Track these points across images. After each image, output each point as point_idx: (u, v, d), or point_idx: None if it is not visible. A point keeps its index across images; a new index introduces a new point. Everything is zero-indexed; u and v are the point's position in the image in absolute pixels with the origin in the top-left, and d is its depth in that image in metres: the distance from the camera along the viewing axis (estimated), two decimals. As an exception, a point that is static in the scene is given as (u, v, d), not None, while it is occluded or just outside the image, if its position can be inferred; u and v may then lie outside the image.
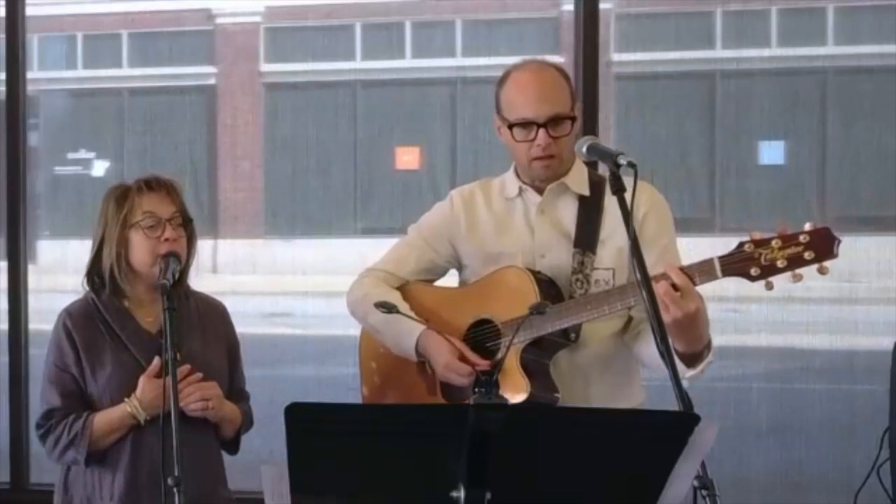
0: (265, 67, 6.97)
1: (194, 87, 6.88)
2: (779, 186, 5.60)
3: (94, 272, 3.08)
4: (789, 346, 5.17)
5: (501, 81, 3.01)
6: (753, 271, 2.64)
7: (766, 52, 5.45)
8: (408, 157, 6.26)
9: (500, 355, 2.89)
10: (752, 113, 5.51)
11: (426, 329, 2.94)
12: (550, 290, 2.92)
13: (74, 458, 3.02)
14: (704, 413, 1.97)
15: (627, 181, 2.65)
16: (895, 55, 5.23)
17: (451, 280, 3.21)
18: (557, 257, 2.96)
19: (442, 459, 1.88)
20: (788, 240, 2.63)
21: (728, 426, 4.89)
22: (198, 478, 2.85)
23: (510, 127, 2.93)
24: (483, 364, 2.86)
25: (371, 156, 6.25)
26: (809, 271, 2.65)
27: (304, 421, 1.87)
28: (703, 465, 2.13)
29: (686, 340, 2.67)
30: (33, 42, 6.21)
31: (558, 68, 3.06)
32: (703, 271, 2.67)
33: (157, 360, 2.97)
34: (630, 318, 2.98)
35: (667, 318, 2.57)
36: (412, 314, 2.94)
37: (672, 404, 2.36)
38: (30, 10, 5.14)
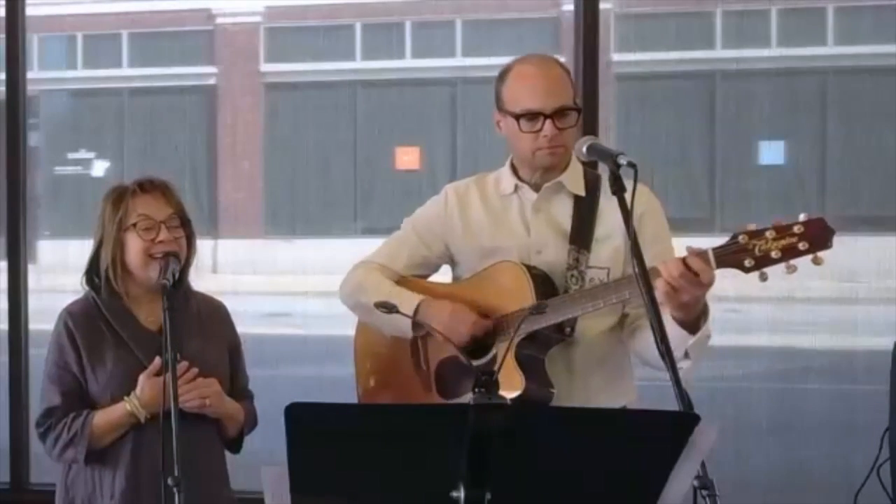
0: (265, 67, 6.98)
1: (194, 87, 6.89)
2: (779, 186, 5.61)
3: (93, 272, 3.08)
4: (789, 346, 5.18)
5: (502, 76, 3.00)
6: (747, 262, 2.62)
7: (766, 52, 5.46)
8: (408, 157, 6.27)
9: (494, 351, 2.89)
10: (752, 113, 5.52)
11: (425, 298, 2.96)
12: (545, 285, 2.92)
13: (74, 456, 3.02)
14: (704, 413, 1.97)
15: (628, 182, 2.67)
16: (895, 55, 5.23)
17: (442, 276, 3.21)
18: (553, 253, 2.96)
19: (442, 459, 1.88)
20: (782, 231, 2.60)
21: (728, 426, 4.89)
22: (199, 478, 2.84)
23: (517, 118, 2.92)
24: (481, 322, 2.88)
25: (371, 156, 6.25)
26: (804, 266, 2.63)
27: (304, 421, 1.87)
28: (703, 465, 2.13)
29: (686, 312, 2.69)
30: (33, 42, 6.22)
31: (560, 62, 3.08)
32: (697, 259, 2.64)
33: (157, 360, 2.97)
34: (625, 315, 2.98)
35: (677, 299, 2.61)
36: (371, 290, 2.96)
37: (672, 404, 2.36)
38: (30, 10, 5.14)
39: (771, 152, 5.70)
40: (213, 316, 3.15)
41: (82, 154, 6.63)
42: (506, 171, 3.07)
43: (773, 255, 2.60)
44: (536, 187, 3.00)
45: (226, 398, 3.08)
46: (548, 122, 2.89)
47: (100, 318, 3.05)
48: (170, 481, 2.56)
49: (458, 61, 6.25)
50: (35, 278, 5.16)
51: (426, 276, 3.17)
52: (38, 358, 4.97)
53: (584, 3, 4.57)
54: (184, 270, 3.05)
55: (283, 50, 6.95)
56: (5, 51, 5.05)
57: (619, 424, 2.03)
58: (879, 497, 3.76)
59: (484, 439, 1.86)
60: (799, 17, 5.80)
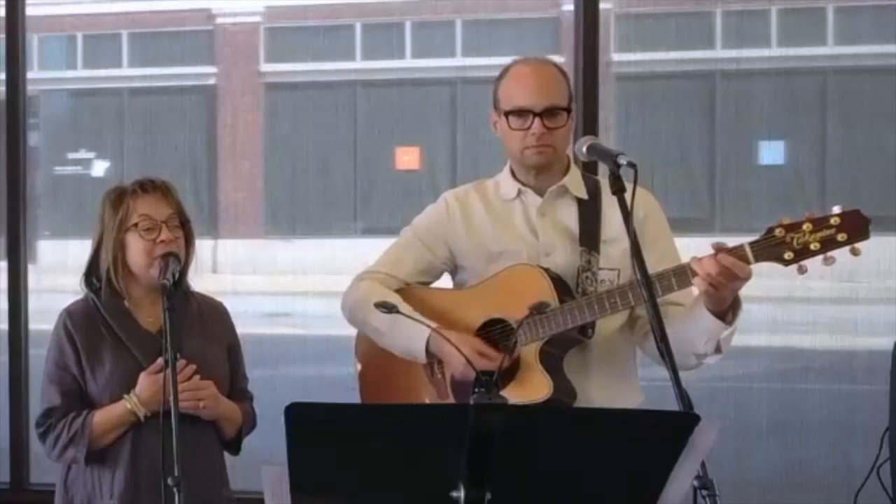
0: (265, 67, 6.97)
1: (194, 87, 6.88)
2: (779, 186, 5.61)
3: (93, 273, 3.09)
4: (789, 346, 5.17)
5: (500, 76, 3.03)
6: (787, 255, 2.62)
7: (766, 52, 5.45)
8: (408, 157, 6.26)
9: (516, 356, 2.88)
10: (752, 113, 5.52)
11: (437, 328, 2.91)
12: (561, 286, 2.91)
13: (74, 456, 3.02)
14: (704, 413, 1.97)
15: (627, 183, 2.67)
16: (895, 55, 5.23)
17: (444, 283, 3.19)
18: (563, 256, 2.95)
19: (442, 459, 1.88)
20: (819, 222, 2.61)
21: (728, 426, 4.89)
22: (199, 478, 2.85)
23: (506, 115, 2.93)
24: (498, 357, 2.82)
25: (371, 156, 6.25)
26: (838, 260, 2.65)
27: (304, 421, 1.87)
28: (703, 465, 2.13)
29: (721, 303, 2.69)
30: (33, 42, 6.21)
31: (557, 65, 3.09)
32: (734, 255, 2.65)
33: (160, 360, 2.97)
34: (638, 317, 2.97)
35: (710, 291, 2.62)
36: (415, 315, 2.92)
37: (672, 404, 2.36)
38: (30, 10, 5.14)
39: (771, 152, 5.69)
40: (213, 316, 3.16)
41: (82, 154, 6.62)
42: (506, 175, 3.06)
43: (813, 247, 2.60)
44: (540, 191, 3.00)
45: (222, 400, 3.08)
46: (536, 120, 2.90)
47: (99, 318, 3.06)
48: (170, 481, 2.57)
49: (458, 61, 6.25)
50: (35, 278, 5.16)
51: (429, 283, 3.14)
52: (38, 358, 4.97)
53: (584, 3, 4.57)
54: (183, 271, 3.05)
55: (283, 50, 6.94)
56: (5, 51, 5.05)
57: (619, 424, 2.03)
58: (879, 497, 3.76)
59: (484, 439, 1.86)
60: (799, 17, 5.79)
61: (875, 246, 2.62)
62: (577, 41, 4.60)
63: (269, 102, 6.84)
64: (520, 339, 2.87)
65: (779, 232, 2.63)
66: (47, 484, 4.93)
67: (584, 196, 3.00)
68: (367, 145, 6.23)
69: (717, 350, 2.78)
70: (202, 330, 3.10)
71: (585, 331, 2.90)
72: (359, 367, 3.19)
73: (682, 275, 2.71)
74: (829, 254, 2.60)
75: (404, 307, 2.90)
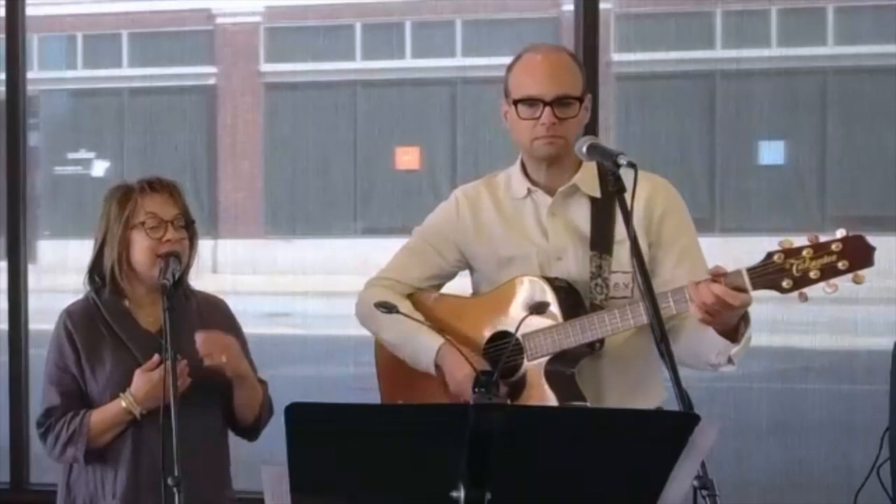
0: (265, 67, 6.97)
1: (194, 87, 6.88)
2: (779, 186, 5.60)
3: (95, 272, 3.08)
4: (789, 346, 5.17)
5: (511, 65, 2.93)
6: (786, 283, 2.50)
7: (766, 52, 5.45)
8: (408, 157, 6.26)
9: (523, 371, 2.86)
10: (752, 113, 5.51)
11: (445, 343, 2.88)
12: (569, 297, 2.84)
13: (74, 455, 3.03)
14: (704, 413, 1.97)
15: (649, 177, 2.66)
16: (895, 55, 5.22)
17: (459, 282, 3.17)
18: (574, 261, 2.88)
19: (442, 459, 1.88)
20: (820, 249, 2.49)
21: (728, 426, 4.89)
22: (199, 478, 2.85)
23: (515, 104, 2.85)
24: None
25: (371, 156, 6.24)
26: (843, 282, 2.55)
27: (304, 421, 1.87)
28: (703, 465, 2.13)
29: (724, 325, 2.62)
30: (33, 42, 6.21)
31: (571, 53, 3.00)
32: (730, 283, 2.54)
33: (156, 357, 2.97)
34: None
35: (704, 318, 2.56)
36: (415, 315, 2.90)
37: (672, 404, 2.36)
38: (30, 10, 5.14)
39: (771, 152, 5.69)
40: (213, 314, 3.15)
41: (82, 154, 6.62)
42: (516, 172, 2.98)
43: (812, 274, 2.49)
44: (550, 190, 2.93)
45: (245, 361, 3.05)
46: (547, 109, 2.81)
47: (99, 318, 3.06)
48: (170, 481, 2.57)
49: (458, 61, 6.24)
50: (35, 278, 5.17)
51: (441, 286, 3.10)
52: (38, 358, 4.98)
53: (584, 3, 4.57)
54: (184, 271, 3.05)
55: (283, 50, 6.94)
56: (5, 51, 5.06)
57: (618, 424, 2.03)
58: (879, 497, 3.76)
59: (484, 439, 1.86)
60: (799, 17, 5.79)
61: (875, 246, 2.57)
62: (577, 41, 4.60)
63: (269, 102, 6.83)
64: (526, 355, 2.85)
65: (778, 258, 2.51)
66: (47, 484, 4.94)
67: (597, 194, 2.91)
68: (367, 145, 6.22)
69: (730, 362, 2.72)
70: (203, 328, 3.10)
71: (593, 345, 2.84)
72: (378, 368, 3.17)
73: (681, 298, 2.64)
74: (832, 281, 2.50)
75: (405, 320, 2.87)
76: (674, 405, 2.74)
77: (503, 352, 2.84)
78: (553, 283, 2.86)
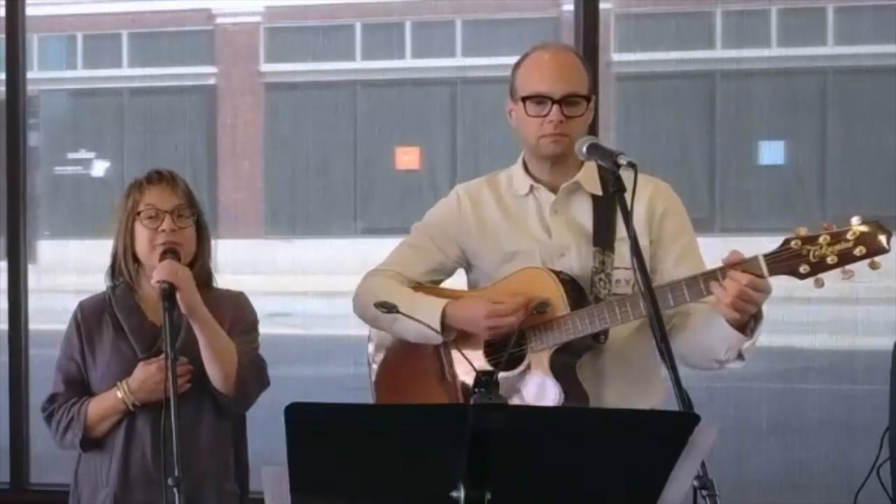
0: (265, 67, 6.97)
1: (194, 87, 6.88)
2: (779, 186, 5.60)
3: (114, 265, 3.14)
4: (789, 346, 5.17)
5: (517, 65, 2.95)
6: (802, 269, 2.54)
7: (766, 52, 5.45)
8: (408, 157, 6.26)
9: (528, 361, 2.85)
10: (752, 113, 5.51)
11: (451, 301, 2.88)
12: (574, 290, 2.86)
13: (72, 441, 3.11)
14: (704, 413, 1.97)
15: (650, 179, 2.67)
16: (895, 55, 5.22)
17: (457, 279, 3.16)
18: (577, 257, 2.90)
19: (442, 459, 1.88)
20: (837, 235, 2.53)
21: (728, 426, 4.89)
22: (194, 467, 2.88)
23: (523, 101, 2.87)
24: (521, 305, 2.80)
25: (371, 156, 6.24)
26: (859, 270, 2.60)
27: (304, 421, 1.87)
28: (703, 465, 2.13)
29: (741, 318, 2.62)
30: (33, 42, 6.22)
31: (577, 53, 3.03)
32: (747, 269, 2.57)
33: (161, 357, 2.98)
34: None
35: (730, 314, 2.56)
36: (389, 298, 2.87)
37: (672, 404, 2.36)
38: (30, 10, 5.14)
39: (771, 152, 5.69)
40: (217, 308, 3.12)
41: (82, 154, 6.62)
42: (518, 170, 3.00)
43: (830, 260, 2.53)
44: (552, 188, 2.94)
45: (196, 294, 2.96)
46: (555, 107, 2.83)
47: (108, 311, 3.13)
48: (170, 481, 2.59)
49: (458, 61, 6.24)
50: (35, 278, 5.17)
51: (440, 282, 3.11)
52: (38, 358, 4.98)
53: (584, 3, 4.57)
54: (195, 262, 3.07)
55: (283, 50, 6.94)
56: (5, 51, 5.06)
57: (618, 424, 2.03)
58: (879, 497, 3.76)
59: (484, 439, 1.86)
60: (799, 17, 5.79)
61: (892, 232, 2.57)
62: (577, 41, 4.60)
63: (269, 102, 6.83)
64: (530, 346, 2.85)
65: (795, 244, 2.55)
66: (47, 484, 4.95)
67: (599, 192, 2.93)
68: (367, 145, 6.22)
69: (740, 357, 2.72)
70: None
71: (598, 336, 2.85)
72: (374, 372, 3.15)
73: (695, 289, 2.65)
74: (848, 267, 2.53)
75: (405, 291, 2.89)
76: (673, 404, 2.75)
77: (508, 342, 2.84)
78: (559, 275, 2.87)
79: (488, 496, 1.88)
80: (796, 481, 5.00)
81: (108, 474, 3.08)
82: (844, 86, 5.70)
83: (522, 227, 2.96)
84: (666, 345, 2.40)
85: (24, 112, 5.06)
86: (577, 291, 2.87)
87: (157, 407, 2.92)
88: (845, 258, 2.52)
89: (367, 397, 3.17)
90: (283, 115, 6.71)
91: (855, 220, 2.54)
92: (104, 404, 3.06)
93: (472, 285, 3.08)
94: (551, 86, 2.85)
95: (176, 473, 2.60)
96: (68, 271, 5.46)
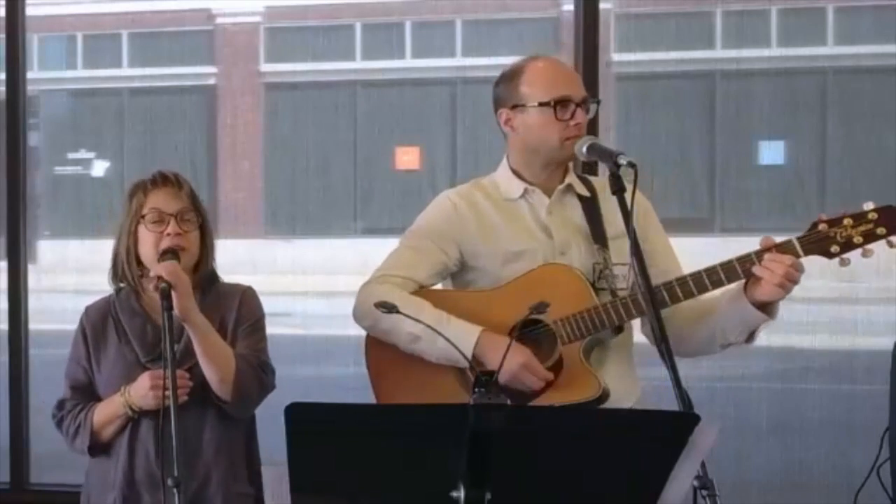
0: (265, 67, 6.97)
1: (194, 87, 6.88)
2: (779, 186, 5.60)
3: (115, 267, 3.13)
4: (789, 346, 5.16)
5: (514, 75, 2.97)
6: (833, 249, 2.75)
7: (766, 52, 5.45)
8: (408, 157, 6.26)
9: (557, 355, 2.86)
10: (752, 113, 5.51)
11: (486, 330, 2.86)
12: (592, 286, 2.93)
13: (81, 447, 3.12)
14: (704, 413, 1.97)
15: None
16: (895, 55, 5.23)
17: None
18: (578, 254, 2.95)
19: (442, 459, 1.88)
20: (859, 217, 2.76)
21: (728, 426, 4.89)
22: (197, 469, 2.88)
23: (553, 106, 2.89)
24: (543, 377, 2.84)
25: (371, 156, 6.24)
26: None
27: (305, 421, 1.87)
28: (703, 465, 2.13)
29: (782, 297, 2.80)
30: (33, 42, 6.22)
31: None
32: (784, 251, 2.75)
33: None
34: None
35: (777, 293, 2.72)
36: (415, 316, 2.88)
37: (672, 404, 2.36)
38: (30, 10, 5.14)
39: (771, 152, 5.69)
40: (216, 306, 3.11)
41: (82, 154, 6.62)
42: (504, 174, 3.02)
43: (856, 240, 2.75)
44: (547, 191, 2.97)
45: (192, 301, 2.95)
46: (579, 109, 2.90)
47: (112, 315, 3.11)
48: (170, 482, 2.58)
49: (458, 61, 6.24)
50: (35, 278, 5.16)
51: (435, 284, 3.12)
52: (39, 358, 4.98)
53: (584, 3, 4.57)
54: (200, 263, 3.07)
55: (283, 50, 6.94)
56: (5, 51, 5.05)
57: (618, 424, 2.03)
58: (879, 497, 3.76)
59: (484, 439, 1.86)
60: (799, 17, 5.79)
61: (875, 246, 2.72)
62: (577, 41, 4.60)
63: (269, 102, 6.83)
64: (561, 339, 2.86)
65: (822, 227, 2.76)
66: (47, 484, 4.95)
67: (587, 193, 3.01)
68: (367, 145, 6.23)
69: (750, 339, 2.88)
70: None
71: (620, 328, 2.91)
72: (372, 374, 3.12)
73: (733, 272, 2.78)
74: (869, 246, 2.75)
75: (429, 309, 2.87)
76: (650, 403, 2.77)
77: (534, 336, 2.88)
78: (577, 271, 2.93)
79: (488, 496, 1.88)
80: (796, 481, 5.00)
81: (115, 478, 3.08)
82: (844, 86, 5.70)
83: (521, 228, 2.98)
84: (666, 345, 2.41)
85: (24, 112, 5.06)
86: (592, 286, 2.90)
87: (159, 412, 2.92)
88: (869, 237, 2.75)
89: (367, 397, 3.16)
90: (283, 115, 6.71)
91: (868, 205, 2.77)
92: (108, 409, 3.06)
93: (465, 286, 3.06)
94: (572, 89, 2.93)
95: (176, 474, 2.59)
96: (68, 271, 5.46)
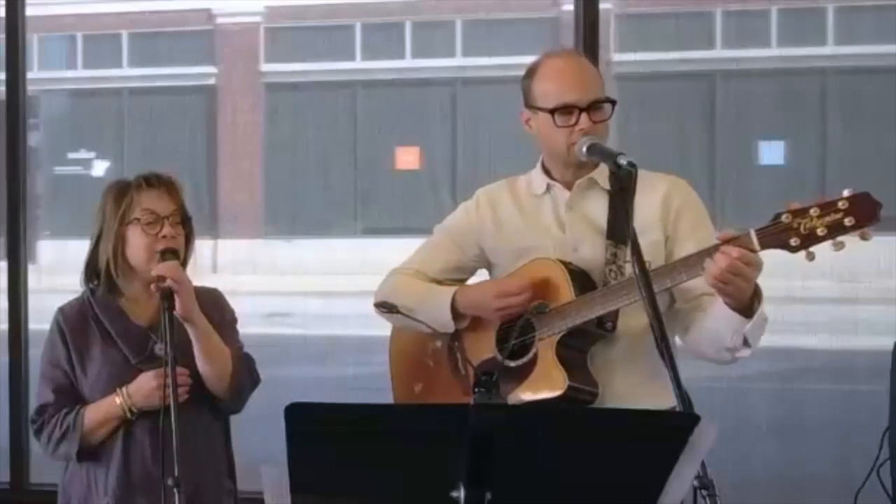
0: (265, 67, 6.98)
1: (194, 87, 6.89)
2: (779, 186, 5.60)
3: (91, 268, 3.08)
4: (789, 346, 5.17)
5: (531, 73, 2.95)
6: (793, 242, 2.53)
7: (766, 52, 5.46)
8: (408, 157, 6.27)
9: (534, 351, 2.86)
10: (752, 113, 5.52)
11: (458, 289, 2.92)
12: (583, 280, 2.88)
13: (67, 451, 3.03)
14: (704, 413, 1.97)
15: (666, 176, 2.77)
16: (895, 55, 5.23)
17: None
18: (590, 250, 2.92)
19: (442, 459, 1.88)
20: (827, 207, 2.53)
21: (728, 426, 4.89)
22: (195, 468, 2.86)
23: (552, 113, 2.87)
24: (527, 285, 2.83)
25: (371, 156, 6.25)
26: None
27: (304, 421, 1.87)
28: (703, 465, 2.13)
29: (738, 298, 2.62)
30: (33, 42, 6.22)
31: (584, 56, 3.08)
32: (737, 244, 2.56)
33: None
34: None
35: (719, 288, 2.56)
36: (416, 317, 2.90)
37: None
38: (30, 10, 5.14)
39: (771, 152, 5.70)
40: (205, 304, 3.11)
41: (82, 154, 6.63)
42: (537, 172, 3.03)
43: (819, 232, 2.52)
44: (569, 185, 2.95)
45: (194, 302, 2.95)
46: (583, 115, 2.85)
47: (91, 316, 3.06)
48: (170, 481, 2.57)
49: (458, 61, 6.25)
50: (35, 278, 5.16)
51: (464, 281, 3.11)
52: (38, 358, 4.97)
53: (584, 3, 4.56)
54: (184, 265, 3.05)
55: (283, 50, 6.95)
56: (5, 51, 5.05)
57: (619, 424, 2.03)
58: (879, 497, 3.75)
59: (484, 439, 1.86)
60: (799, 17, 5.79)
61: (875, 246, 2.58)
62: (577, 41, 4.59)
63: (269, 102, 6.84)
64: (537, 334, 2.86)
65: (785, 217, 2.55)
66: (47, 484, 4.94)
67: (608, 188, 2.94)
68: (367, 145, 6.23)
69: (746, 343, 2.71)
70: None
71: (604, 324, 2.86)
72: (392, 366, 3.17)
73: (694, 267, 2.65)
74: (839, 239, 2.52)
75: (418, 286, 2.91)
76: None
77: (517, 330, 2.87)
78: (568, 266, 2.89)
79: (488, 496, 1.88)
80: (796, 481, 5.00)
81: (107, 483, 3.01)
82: (844, 86, 5.70)
83: (536, 224, 2.99)
84: (666, 345, 2.40)
85: (24, 112, 5.06)
86: (585, 281, 2.89)
87: (154, 413, 2.90)
88: (835, 229, 2.52)
89: (367, 397, 3.17)
90: (283, 115, 6.72)
91: (846, 192, 2.55)
92: (102, 411, 3.00)
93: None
94: (577, 94, 2.87)
95: (176, 474, 2.59)
96: (68, 271, 5.44)
